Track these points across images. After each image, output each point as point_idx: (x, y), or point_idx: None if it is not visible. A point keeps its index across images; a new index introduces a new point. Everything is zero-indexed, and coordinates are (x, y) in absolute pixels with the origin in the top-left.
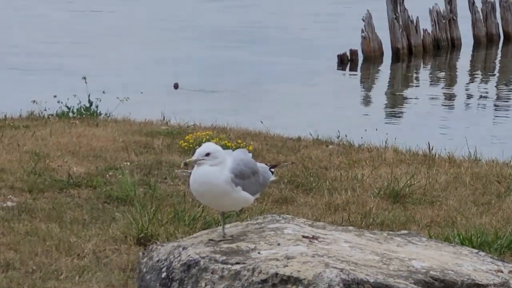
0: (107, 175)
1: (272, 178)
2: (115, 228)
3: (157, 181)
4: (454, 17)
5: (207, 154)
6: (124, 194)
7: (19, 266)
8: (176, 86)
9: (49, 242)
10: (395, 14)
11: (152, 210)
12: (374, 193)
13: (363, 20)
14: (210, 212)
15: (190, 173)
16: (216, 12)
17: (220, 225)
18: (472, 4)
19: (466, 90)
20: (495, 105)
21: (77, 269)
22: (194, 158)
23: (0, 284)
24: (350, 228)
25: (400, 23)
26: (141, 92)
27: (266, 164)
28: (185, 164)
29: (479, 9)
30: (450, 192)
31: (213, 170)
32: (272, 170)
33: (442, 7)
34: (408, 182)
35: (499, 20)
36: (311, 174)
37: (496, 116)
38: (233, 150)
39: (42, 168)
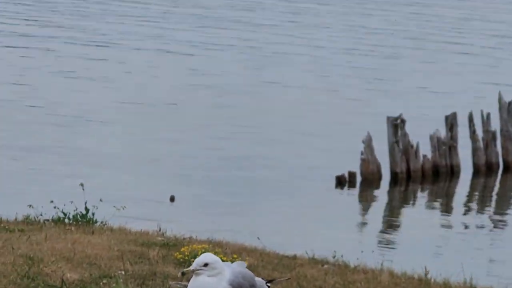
0: (101, 283)
1: None
2: None
3: None
4: (455, 144)
5: (205, 265)
6: None
7: None
8: (172, 199)
9: None
10: (395, 138)
11: None
12: None
13: (363, 142)
14: None
15: (185, 286)
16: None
17: None
18: (473, 133)
19: (463, 217)
20: (491, 234)
21: None
22: (192, 267)
23: None
24: None
25: (400, 147)
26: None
27: (262, 279)
28: (183, 273)
29: (480, 138)
30: None
31: (211, 281)
32: (269, 285)
33: (443, 133)
34: None
35: (499, 149)
36: None
37: (492, 245)
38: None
39: (36, 273)
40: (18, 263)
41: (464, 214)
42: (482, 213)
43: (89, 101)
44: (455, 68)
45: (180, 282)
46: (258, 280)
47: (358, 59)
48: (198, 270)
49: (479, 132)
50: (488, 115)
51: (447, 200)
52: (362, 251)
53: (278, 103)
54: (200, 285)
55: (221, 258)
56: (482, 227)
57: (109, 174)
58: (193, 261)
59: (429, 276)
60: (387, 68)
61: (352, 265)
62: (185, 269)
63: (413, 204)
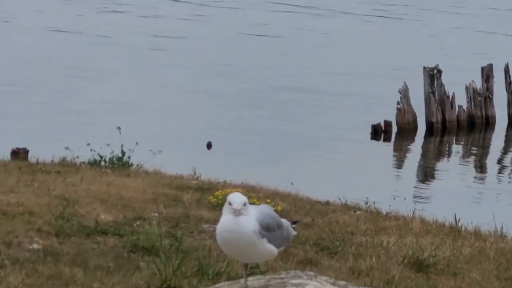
0: (135, 225)
1: (294, 233)
2: (139, 277)
3: (184, 234)
4: (490, 96)
5: (245, 204)
6: (150, 244)
7: None
8: (209, 146)
9: (72, 286)
10: (431, 89)
11: (176, 262)
12: (398, 261)
13: (400, 92)
14: (234, 267)
15: None
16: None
17: (243, 278)
18: (509, 84)
19: (498, 168)
20: None
21: None
22: (238, 207)
23: None
24: None
25: (436, 97)
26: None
27: (287, 220)
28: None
29: None
30: (473, 265)
31: (244, 220)
32: (294, 226)
33: (478, 84)
34: (433, 252)
35: None
36: (337, 238)
37: None
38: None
39: (71, 214)
40: (53, 204)
41: (498, 165)
42: None
43: (126, 50)
44: (492, 19)
45: (213, 225)
46: (284, 221)
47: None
48: (241, 209)
49: None
50: None
51: (482, 152)
52: (394, 198)
53: (312, 51)
54: (238, 225)
55: (254, 202)
56: None
57: (146, 119)
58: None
59: (459, 224)
60: (425, 21)
61: (384, 212)
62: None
63: (448, 155)
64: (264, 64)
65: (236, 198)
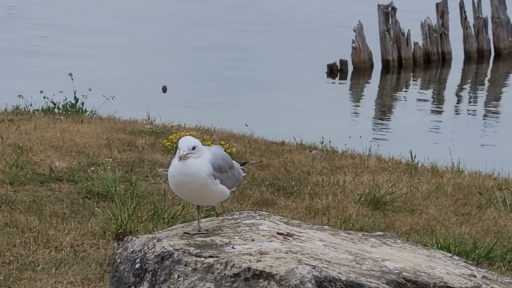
0: (89, 171)
1: (243, 174)
2: (94, 223)
3: (139, 178)
4: (446, 32)
5: (193, 148)
6: (105, 190)
7: None
8: (164, 89)
9: (28, 234)
10: (386, 26)
11: (132, 206)
12: (355, 199)
13: (354, 31)
14: (190, 211)
15: None
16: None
17: (196, 220)
18: (464, 20)
19: (454, 104)
20: (483, 120)
21: (54, 261)
22: (184, 152)
23: None
24: (326, 227)
25: (391, 35)
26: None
27: (236, 162)
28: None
29: (471, 25)
30: (431, 202)
31: (196, 162)
32: (242, 167)
33: (434, 21)
34: (389, 189)
35: (490, 36)
36: (293, 178)
37: (483, 130)
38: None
39: (25, 162)
40: (7, 152)
41: (455, 101)
42: (473, 100)
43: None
44: None
45: (167, 169)
46: (234, 162)
47: None
48: (188, 154)
49: (470, 19)
50: (479, 1)
51: (439, 87)
52: (350, 137)
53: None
54: (190, 168)
55: (209, 144)
56: (473, 114)
57: (100, 66)
58: (180, 142)
59: (416, 160)
60: None
61: (340, 151)
62: (180, 154)
63: (405, 92)
64: (221, 15)
65: (183, 143)
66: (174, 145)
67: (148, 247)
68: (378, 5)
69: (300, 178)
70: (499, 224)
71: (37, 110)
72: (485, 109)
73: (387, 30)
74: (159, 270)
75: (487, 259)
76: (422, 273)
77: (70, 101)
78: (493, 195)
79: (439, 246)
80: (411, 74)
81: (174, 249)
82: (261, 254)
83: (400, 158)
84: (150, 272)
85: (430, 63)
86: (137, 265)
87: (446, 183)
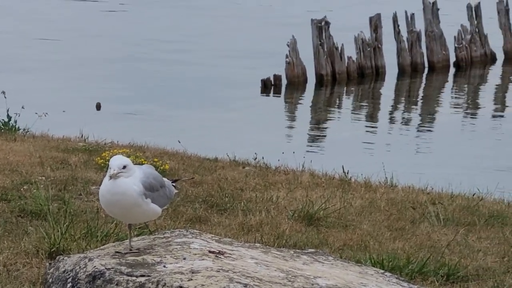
0: (22, 189)
1: (175, 191)
2: (27, 242)
3: (72, 196)
4: (379, 45)
5: (124, 167)
6: (38, 208)
7: None
8: (98, 107)
9: None
10: (320, 41)
11: (65, 225)
12: (288, 215)
13: (288, 46)
14: (123, 229)
15: None
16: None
17: (128, 239)
18: (397, 33)
19: (388, 118)
20: (416, 134)
21: None
22: (114, 171)
23: None
24: (257, 245)
25: (325, 49)
26: (63, 111)
27: (168, 179)
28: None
29: (405, 38)
30: (364, 217)
31: (129, 182)
32: (174, 184)
33: (367, 35)
34: (323, 205)
35: (424, 50)
36: (226, 194)
37: (417, 144)
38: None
39: None
40: None
41: (388, 116)
42: (407, 114)
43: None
44: None
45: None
46: (165, 180)
47: None
48: (119, 173)
49: (404, 33)
50: (412, 15)
51: (373, 102)
52: (283, 153)
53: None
54: (120, 187)
55: (142, 161)
56: (407, 128)
57: (33, 83)
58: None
59: (349, 176)
60: None
61: (273, 167)
62: (111, 173)
63: (338, 107)
64: (152, 31)
65: (114, 162)
66: (107, 162)
67: (80, 267)
68: (312, 20)
69: (234, 195)
70: (433, 238)
71: None
72: (419, 123)
73: (321, 44)
74: None
75: (421, 273)
76: None
77: (3, 119)
78: (427, 210)
79: (373, 262)
80: (345, 88)
81: (106, 268)
82: (192, 272)
83: (333, 173)
84: None
85: (364, 77)
86: (69, 285)
87: (380, 198)
